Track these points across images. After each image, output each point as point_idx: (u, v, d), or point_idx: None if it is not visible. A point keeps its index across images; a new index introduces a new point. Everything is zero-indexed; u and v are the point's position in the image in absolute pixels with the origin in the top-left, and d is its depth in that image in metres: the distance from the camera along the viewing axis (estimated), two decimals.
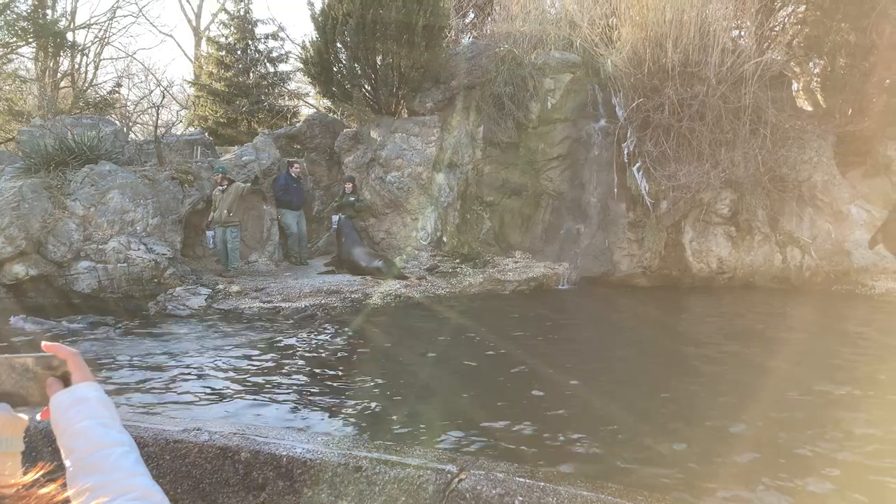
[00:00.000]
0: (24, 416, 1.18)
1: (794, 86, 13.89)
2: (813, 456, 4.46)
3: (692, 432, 4.87)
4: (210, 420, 5.22)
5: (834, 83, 12.82)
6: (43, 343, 1.23)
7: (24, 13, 17.54)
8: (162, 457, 4.72)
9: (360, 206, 12.60)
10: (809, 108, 13.71)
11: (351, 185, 12.59)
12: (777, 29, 13.32)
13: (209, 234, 11.74)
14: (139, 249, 10.33)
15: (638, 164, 12.25)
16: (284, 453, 4.63)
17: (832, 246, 11.91)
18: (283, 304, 9.75)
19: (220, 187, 11.51)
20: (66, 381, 1.19)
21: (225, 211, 11.36)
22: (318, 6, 13.48)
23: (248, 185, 11.84)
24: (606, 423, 5.12)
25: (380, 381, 6.54)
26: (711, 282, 12.05)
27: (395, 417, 5.52)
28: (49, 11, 19.72)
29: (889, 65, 12.00)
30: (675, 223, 12.23)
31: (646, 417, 5.23)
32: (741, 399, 5.64)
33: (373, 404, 5.83)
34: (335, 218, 12.45)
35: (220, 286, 10.39)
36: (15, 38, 17.52)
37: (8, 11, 17.13)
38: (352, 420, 5.44)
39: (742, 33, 12.76)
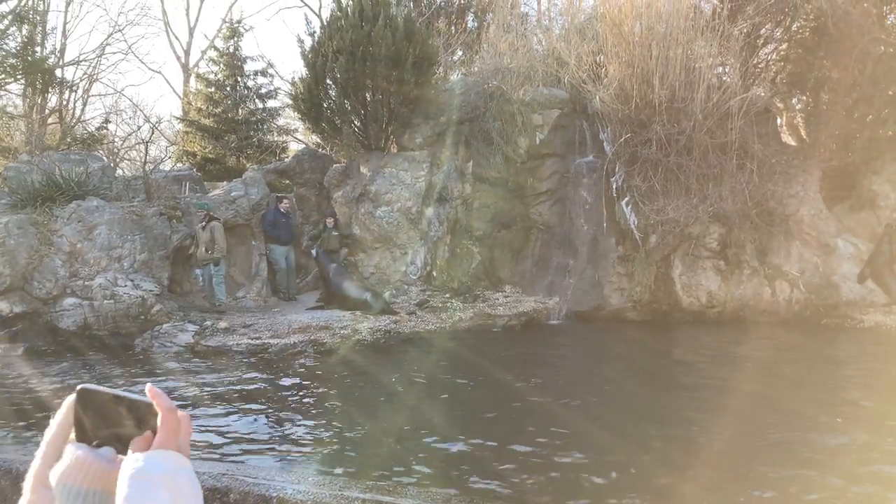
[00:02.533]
0: None
1: (778, 121, 14.09)
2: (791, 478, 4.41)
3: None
4: (198, 459, 5.11)
5: (818, 118, 13.01)
6: (147, 386, 1.00)
7: (14, 50, 17.55)
8: None
9: (330, 242, 12.34)
10: (793, 143, 13.90)
11: (333, 219, 12.55)
12: (761, 66, 13.54)
13: (198, 271, 11.60)
14: (126, 286, 10.21)
15: (627, 199, 12.32)
16: (275, 494, 4.52)
17: (820, 279, 11.97)
18: (271, 341, 9.63)
19: (201, 224, 11.29)
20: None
21: (202, 248, 11.19)
22: (309, 43, 13.55)
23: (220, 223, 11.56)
24: (598, 455, 5.06)
25: (371, 418, 6.44)
26: (701, 315, 12.04)
27: (386, 456, 5.42)
28: (38, 48, 19.78)
29: (871, 101, 12.21)
30: (664, 257, 12.26)
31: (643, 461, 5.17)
32: (732, 429, 5.59)
33: (364, 443, 5.73)
34: (314, 252, 12.37)
35: (208, 322, 10.27)
36: (4, 75, 17.50)
37: None
38: (343, 459, 5.34)
39: (727, 70, 12.95)
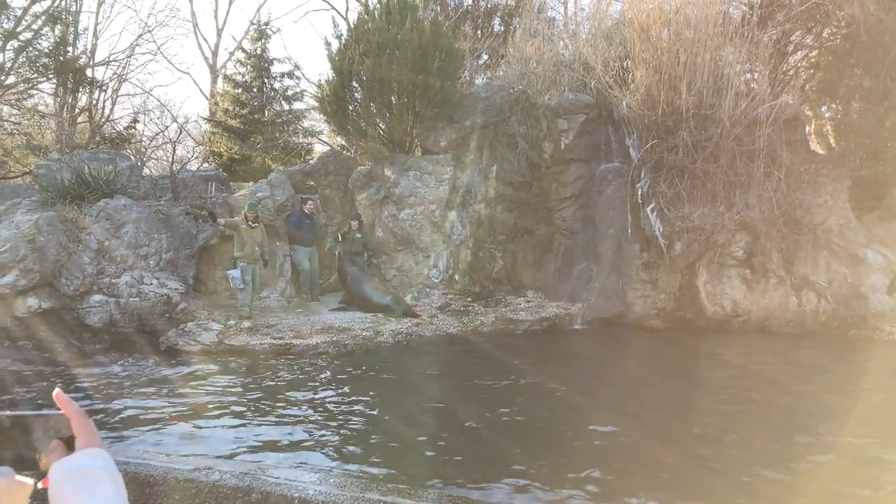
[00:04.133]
0: (30, 482, 1.03)
1: (807, 129, 13.90)
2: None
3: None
4: (221, 459, 5.14)
5: (848, 127, 12.82)
6: (55, 392, 1.06)
7: (47, 50, 17.86)
8: (172, 496, 4.63)
9: (353, 244, 12.38)
10: (822, 152, 13.71)
11: (357, 222, 12.60)
12: (790, 73, 13.38)
13: (234, 272, 10.91)
14: (152, 284, 10.33)
15: (652, 205, 12.23)
16: (296, 495, 4.53)
17: (848, 290, 11.77)
18: (294, 341, 9.69)
19: (252, 225, 11.05)
20: (70, 444, 1.04)
21: (255, 248, 11.09)
22: (335, 46, 13.66)
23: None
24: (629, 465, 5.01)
25: (393, 420, 6.45)
26: (726, 325, 11.90)
27: (408, 458, 5.42)
28: (70, 48, 20.11)
29: None
30: (689, 265, 12.14)
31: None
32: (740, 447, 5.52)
33: (386, 444, 5.73)
34: (338, 252, 12.43)
35: (232, 322, 10.35)
36: (36, 75, 17.81)
37: (31, 48, 17.45)
38: (364, 460, 5.34)
39: (755, 77, 12.81)
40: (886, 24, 11.64)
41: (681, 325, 12.04)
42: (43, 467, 1.02)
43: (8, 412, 1.05)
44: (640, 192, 12.46)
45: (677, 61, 12.04)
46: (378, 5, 13.38)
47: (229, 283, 11.00)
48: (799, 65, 13.77)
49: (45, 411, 1.06)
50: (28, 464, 1.03)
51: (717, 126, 11.80)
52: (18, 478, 1.02)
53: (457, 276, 12.93)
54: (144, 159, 20.90)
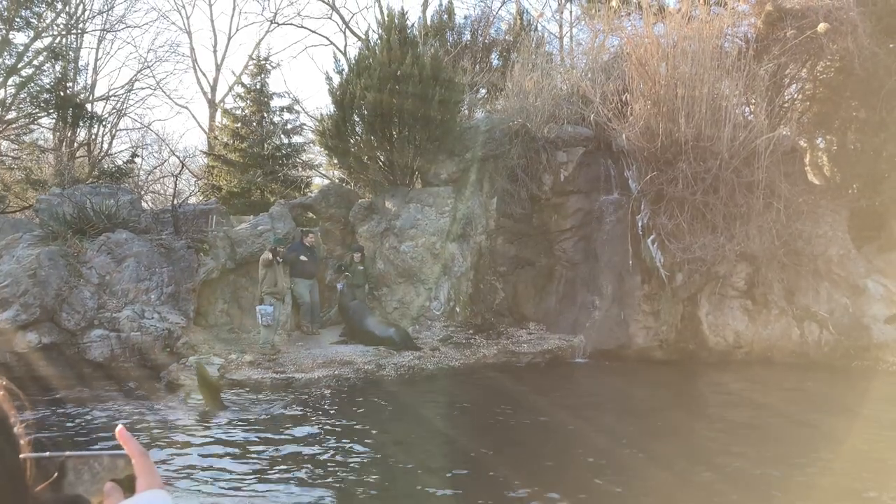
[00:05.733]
0: None
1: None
2: None
3: None
4: (222, 497, 5.08)
5: (845, 159, 12.94)
6: (118, 429, 1.04)
7: (48, 85, 17.97)
8: None
9: (355, 277, 12.36)
10: (819, 183, 13.80)
11: (360, 255, 12.59)
12: (787, 105, 13.54)
13: (267, 308, 10.70)
14: (153, 318, 10.27)
15: (652, 237, 12.26)
16: None
17: (850, 321, 11.77)
18: (295, 375, 9.63)
19: (278, 260, 11.01)
20: (129, 485, 1.01)
21: (282, 283, 11.06)
22: (337, 81, 13.76)
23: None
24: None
25: (398, 457, 6.38)
26: (728, 356, 11.87)
27: (412, 492, 5.35)
28: (70, 84, 20.24)
29: None
30: (690, 296, 12.14)
31: None
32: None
33: (391, 482, 5.66)
34: (341, 286, 12.39)
35: (233, 356, 10.28)
36: (37, 110, 17.91)
37: (32, 83, 17.56)
38: (369, 499, 5.28)
39: (752, 109, 12.95)
40: (880, 58, 11.82)
41: (683, 356, 12.00)
42: None
43: (57, 452, 1.02)
44: (640, 224, 12.50)
45: (675, 94, 12.18)
46: (379, 41, 13.52)
47: (259, 318, 10.76)
48: (795, 97, 13.95)
49: (99, 451, 1.03)
50: None
51: (715, 158, 11.89)
52: None
53: (458, 308, 12.90)
54: (143, 192, 20.96)
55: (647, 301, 12.39)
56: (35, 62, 18.12)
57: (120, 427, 1.03)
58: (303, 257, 11.94)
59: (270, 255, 10.99)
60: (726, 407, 8.86)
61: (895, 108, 11.88)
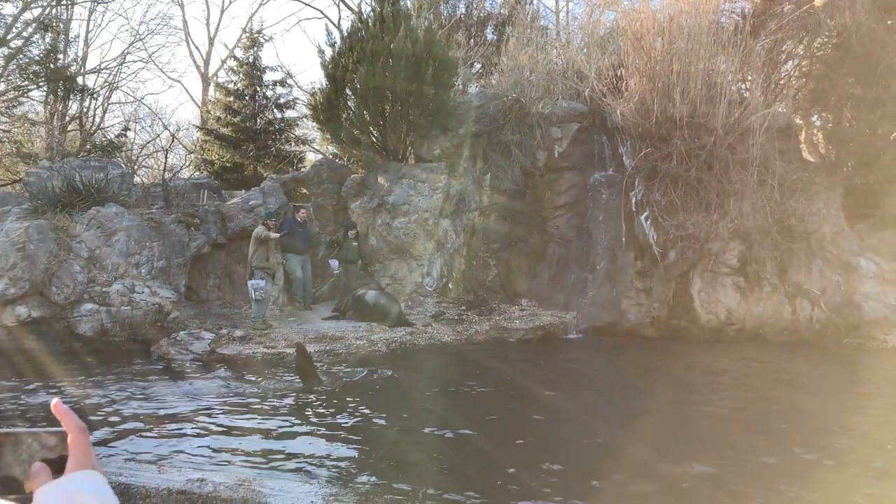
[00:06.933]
0: None
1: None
2: None
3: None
4: (214, 470, 5.07)
5: (840, 136, 12.87)
6: (53, 402, 0.95)
7: (38, 57, 17.74)
8: None
9: (349, 252, 12.31)
10: (813, 160, 13.74)
11: (354, 231, 12.52)
12: (782, 82, 13.43)
13: (259, 282, 10.68)
14: (143, 293, 10.23)
15: (646, 214, 12.22)
16: None
17: (842, 298, 11.78)
18: (287, 350, 9.61)
19: (273, 233, 10.94)
20: (61, 466, 0.93)
21: (272, 257, 10.97)
22: (329, 54, 13.59)
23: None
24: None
25: (387, 430, 6.38)
26: (720, 333, 11.88)
27: (402, 468, 5.35)
28: (61, 56, 19.99)
29: (895, 118, 12.05)
30: (683, 273, 12.13)
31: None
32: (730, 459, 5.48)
33: (381, 455, 5.66)
34: (334, 263, 12.33)
35: (224, 331, 10.25)
36: (27, 82, 17.69)
37: (21, 55, 17.34)
38: (359, 471, 5.28)
39: (748, 86, 12.85)
40: (878, 34, 11.70)
41: (675, 333, 12.02)
42: (27, 491, 0.92)
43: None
44: (633, 201, 12.45)
45: (671, 70, 12.07)
46: (371, 14, 13.35)
47: (251, 293, 10.75)
48: (791, 73, 13.83)
49: (38, 428, 0.95)
50: (15, 487, 0.93)
51: (710, 134, 11.82)
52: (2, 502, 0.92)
53: (451, 285, 12.88)
54: (135, 167, 20.79)
55: (639, 278, 12.38)
56: (24, 34, 17.89)
57: (56, 400, 0.95)
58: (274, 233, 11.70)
59: (265, 230, 10.91)
60: (715, 385, 8.89)
61: (891, 85, 11.78)
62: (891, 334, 11.13)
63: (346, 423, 6.54)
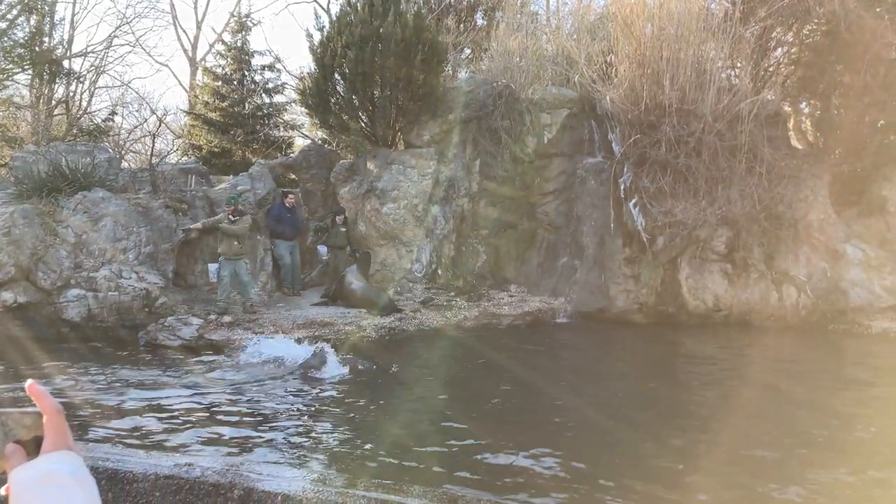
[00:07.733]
0: None
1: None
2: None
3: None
4: (202, 455, 5.06)
5: (828, 123, 12.92)
6: (27, 383, 0.94)
7: (22, 40, 17.52)
8: (152, 493, 4.54)
9: (337, 238, 12.28)
10: (801, 147, 13.80)
11: (342, 217, 12.49)
12: (771, 69, 13.46)
13: (212, 266, 11.01)
14: (131, 278, 10.17)
15: (634, 200, 12.25)
16: (279, 491, 4.46)
17: (828, 285, 11.88)
18: (275, 336, 9.59)
19: (232, 218, 10.74)
20: (36, 447, 0.92)
21: (235, 243, 10.79)
22: (317, 38, 13.49)
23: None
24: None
25: (376, 416, 6.40)
26: (707, 319, 11.96)
27: (392, 453, 5.37)
28: (46, 39, 19.75)
29: (883, 106, 12.12)
30: (671, 260, 12.19)
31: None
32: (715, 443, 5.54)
33: (370, 441, 5.67)
34: (323, 249, 12.31)
35: (212, 316, 10.22)
36: (11, 65, 17.48)
37: (5, 38, 17.11)
38: (347, 457, 5.29)
39: (737, 72, 12.87)
40: (867, 21, 11.73)
41: (663, 319, 12.09)
42: (1, 472, 0.92)
43: None
44: (622, 187, 12.47)
45: (660, 56, 12.08)
46: None
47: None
48: (780, 61, 13.86)
49: (12, 409, 0.94)
50: None
51: (699, 121, 11.85)
52: None
53: (440, 271, 12.88)
54: (123, 152, 20.61)
55: (627, 264, 12.42)
56: (9, 16, 17.63)
57: (30, 382, 0.94)
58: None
59: (221, 215, 10.92)
60: (701, 370, 8.95)
61: (879, 73, 11.83)
62: (875, 320, 11.25)
63: (336, 409, 6.56)
